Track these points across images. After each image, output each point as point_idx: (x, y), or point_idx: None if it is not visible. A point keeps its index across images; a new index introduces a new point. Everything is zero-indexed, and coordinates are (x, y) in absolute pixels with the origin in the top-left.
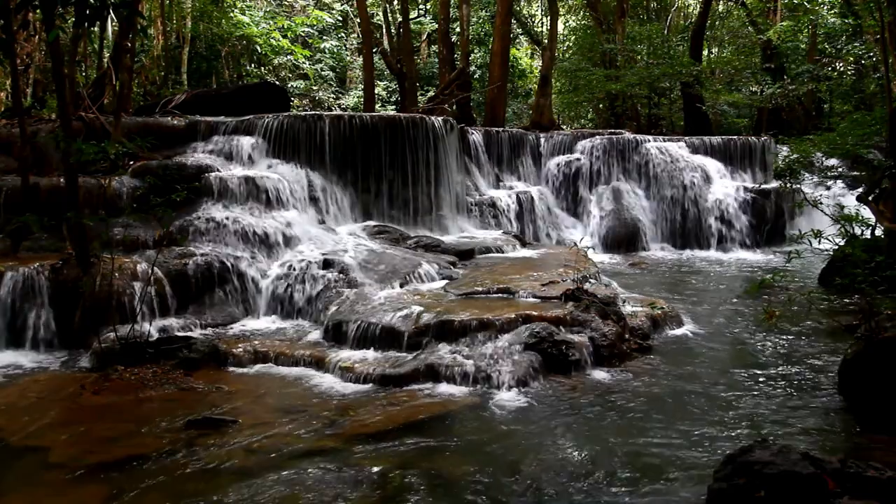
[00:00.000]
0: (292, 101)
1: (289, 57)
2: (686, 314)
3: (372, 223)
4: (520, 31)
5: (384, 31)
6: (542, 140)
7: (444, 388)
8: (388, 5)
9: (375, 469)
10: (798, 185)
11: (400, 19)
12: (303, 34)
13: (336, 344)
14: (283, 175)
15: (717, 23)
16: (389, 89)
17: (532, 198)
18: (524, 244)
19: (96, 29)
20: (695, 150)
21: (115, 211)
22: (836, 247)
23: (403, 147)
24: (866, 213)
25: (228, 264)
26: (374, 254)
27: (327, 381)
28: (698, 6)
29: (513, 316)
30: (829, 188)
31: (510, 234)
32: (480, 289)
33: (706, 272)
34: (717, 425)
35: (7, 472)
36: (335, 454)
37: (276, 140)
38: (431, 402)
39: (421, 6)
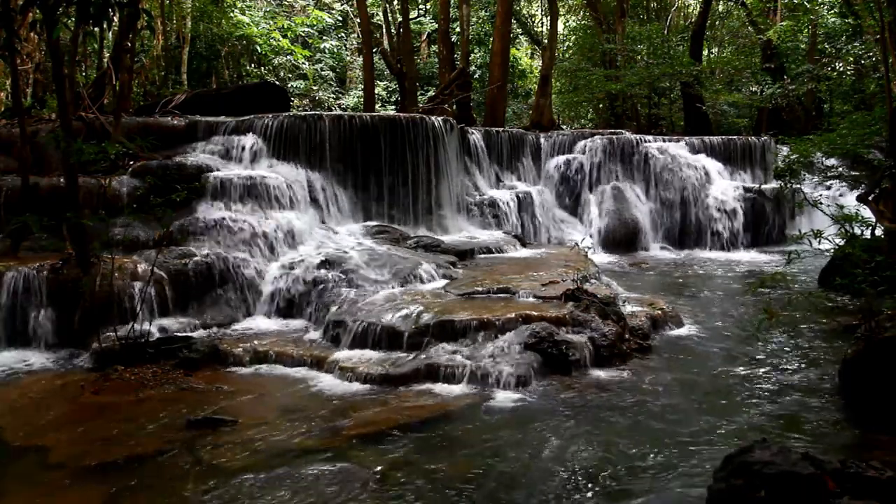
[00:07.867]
0: (292, 101)
1: (289, 57)
2: (686, 314)
3: (372, 223)
4: (520, 31)
5: (384, 31)
6: (542, 140)
7: (444, 387)
8: (388, 5)
9: (375, 469)
10: (798, 185)
11: (400, 19)
12: (303, 34)
13: (336, 344)
14: (283, 175)
15: (717, 23)
16: (389, 89)
17: (532, 198)
18: (524, 244)
19: (97, 29)
20: (695, 150)
21: (115, 211)
22: (836, 247)
23: (403, 147)
24: (866, 213)
25: (228, 264)
26: (375, 254)
27: (327, 381)
28: (698, 6)
29: (513, 316)
30: (829, 188)
31: (510, 234)
32: (480, 289)
33: (706, 272)
34: (717, 425)
35: (7, 472)
36: (335, 454)
37: (276, 140)
38: (431, 402)
39: (421, 6)
